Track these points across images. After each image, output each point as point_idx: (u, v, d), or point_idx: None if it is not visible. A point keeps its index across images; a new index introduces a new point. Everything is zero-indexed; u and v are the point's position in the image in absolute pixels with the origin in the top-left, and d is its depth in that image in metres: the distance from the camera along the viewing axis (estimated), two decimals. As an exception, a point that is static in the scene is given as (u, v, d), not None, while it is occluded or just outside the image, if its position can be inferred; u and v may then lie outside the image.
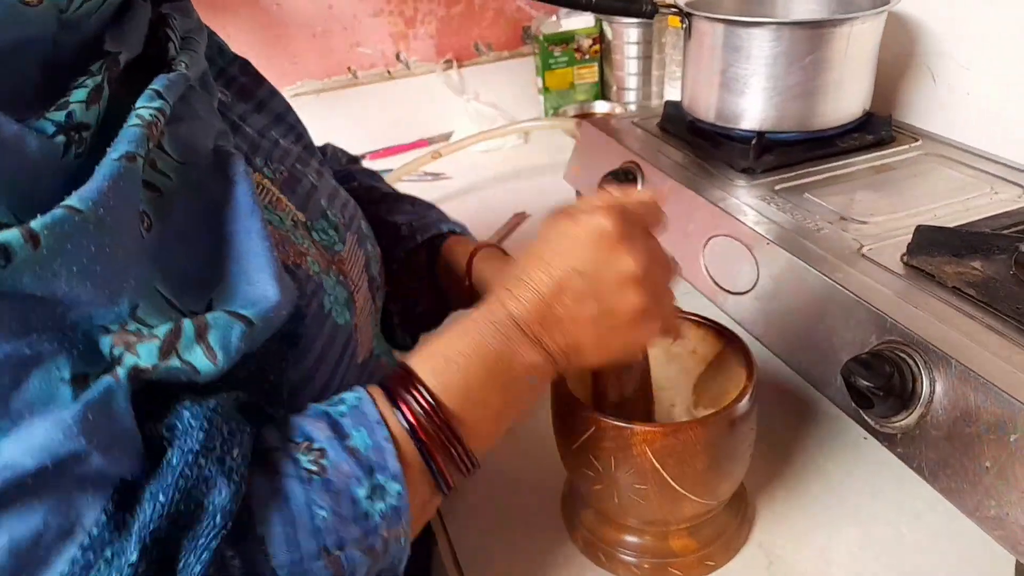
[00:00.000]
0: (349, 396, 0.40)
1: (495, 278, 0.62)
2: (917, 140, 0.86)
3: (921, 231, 0.63)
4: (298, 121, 0.64)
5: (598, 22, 1.32)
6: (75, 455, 0.31)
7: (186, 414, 0.35)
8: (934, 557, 0.54)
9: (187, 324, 0.35)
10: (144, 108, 0.37)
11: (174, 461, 0.33)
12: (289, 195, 0.51)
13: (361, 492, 0.37)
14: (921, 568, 0.53)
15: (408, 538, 0.39)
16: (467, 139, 1.13)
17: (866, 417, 0.57)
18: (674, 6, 0.85)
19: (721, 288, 0.73)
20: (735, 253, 0.71)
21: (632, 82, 1.32)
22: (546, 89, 1.35)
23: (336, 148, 0.79)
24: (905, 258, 0.63)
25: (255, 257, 0.40)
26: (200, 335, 0.35)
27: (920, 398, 0.53)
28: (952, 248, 0.62)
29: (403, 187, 1.19)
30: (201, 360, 0.35)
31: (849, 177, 0.80)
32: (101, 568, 0.31)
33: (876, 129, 0.86)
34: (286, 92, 0.94)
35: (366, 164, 1.28)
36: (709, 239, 0.75)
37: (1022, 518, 0.46)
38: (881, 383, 0.52)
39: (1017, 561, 0.49)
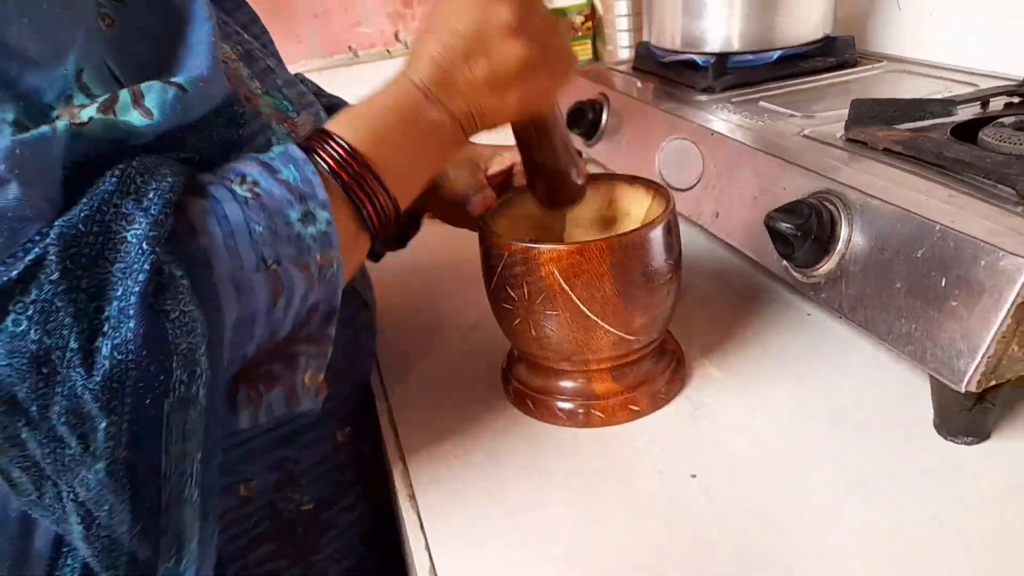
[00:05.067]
0: (276, 147, 0.43)
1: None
2: (881, 62, 0.87)
3: (857, 103, 0.64)
4: (265, 32, 0.68)
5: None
6: None
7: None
8: (867, 405, 0.53)
9: (124, 93, 0.38)
10: None
11: (85, 198, 0.35)
12: (246, 65, 0.55)
13: (294, 215, 0.40)
14: (849, 412, 0.53)
15: (341, 265, 0.42)
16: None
17: (793, 272, 0.57)
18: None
19: (673, 187, 0.74)
20: (684, 151, 0.73)
21: (624, 55, 1.35)
22: (541, 66, 1.38)
23: (306, 78, 0.83)
24: (842, 135, 0.64)
25: (198, 46, 0.43)
26: (136, 101, 0.38)
27: (839, 239, 0.53)
28: (887, 118, 0.62)
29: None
30: (138, 119, 0.38)
31: (809, 92, 0.81)
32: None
33: (839, 52, 0.87)
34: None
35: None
36: (663, 143, 0.76)
37: (928, 329, 0.46)
38: (799, 223, 0.53)
39: (931, 377, 0.48)
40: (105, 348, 0.32)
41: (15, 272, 0.32)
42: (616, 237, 0.49)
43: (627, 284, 0.49)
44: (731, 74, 0.84)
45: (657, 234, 0.50)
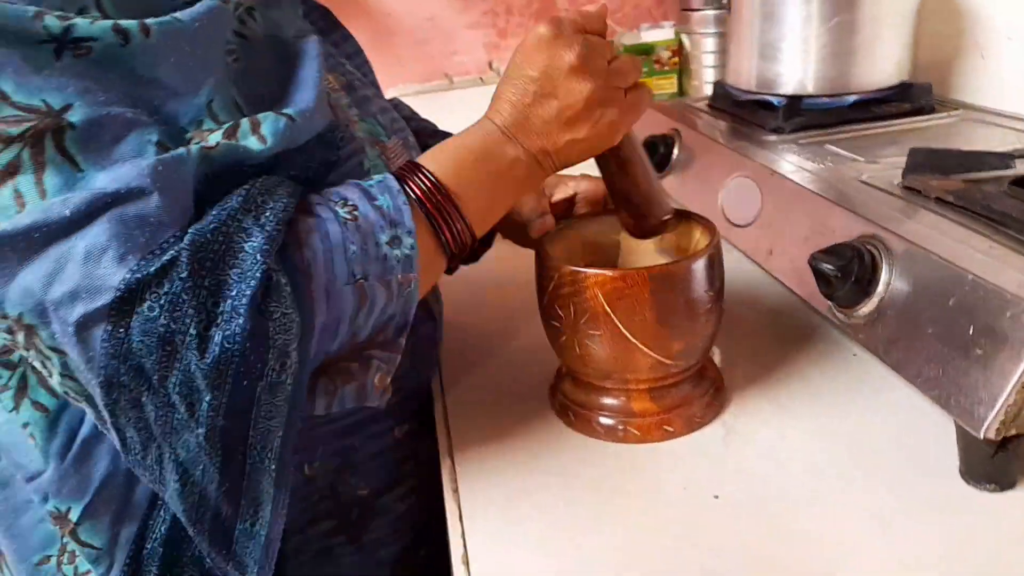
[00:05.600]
0: (375, 176, 0.50)
1: None
2: (958, 110, 0.87)
3: (914, 152, 0.65)
4: (366, 63, 0.76)
5: (677, 34, 1.39)
6: (142, 189, 0.39)
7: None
8: (897, 447, 0.55)
9: (244, 121, 0.45)
10: None
11: (214, 211, 0.42)
12: (347, 94, 0.62)
13: (384, 238, 0.46)
14: (878, 452, 0.54)
15: (417, 285, 0.48)
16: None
17: (836, 312, 0.59)
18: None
19: (733, 223, 0.77)
20: (745, 189, 0.76)
21: (708, 91, 1.38)
22: (627, 97, 1.42)
23: (401, 102, 0.90)
24: (899, 182, 0.65)
25: (307, 81, 0.51)
26: (254, 128, 0.45)
27: (879, 283, 0.55)
28: (944, 168, 0.64)
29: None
30: (254, 143, 0.45)
31: (879, 137, 0.83)
32: (150, 290, 0.39)
33: (915, 98, 0.88)
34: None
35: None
36: (727, 180, 0.79)
37: (954, 375, 0.48)
38: (841, 264, 0.55)
39: (956, 424, 0.50)
40: (217, 337, 0.39)
41: (153, 268, 0.39)
42: (658, 267, 0.53)
43: (667, 311, 0.53)
44: (803, 116, 0.86)
45: (699, 266, 0.54)
